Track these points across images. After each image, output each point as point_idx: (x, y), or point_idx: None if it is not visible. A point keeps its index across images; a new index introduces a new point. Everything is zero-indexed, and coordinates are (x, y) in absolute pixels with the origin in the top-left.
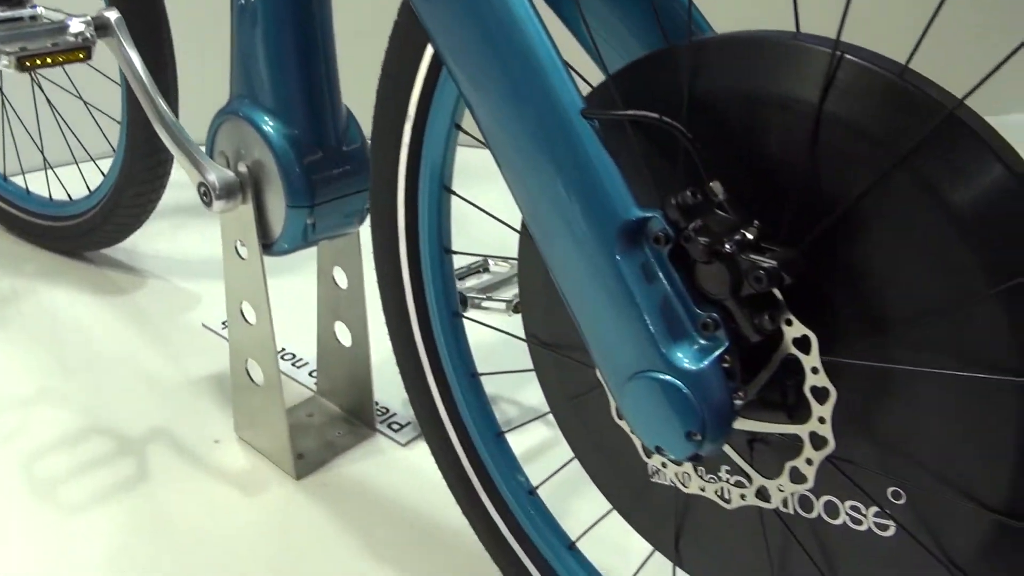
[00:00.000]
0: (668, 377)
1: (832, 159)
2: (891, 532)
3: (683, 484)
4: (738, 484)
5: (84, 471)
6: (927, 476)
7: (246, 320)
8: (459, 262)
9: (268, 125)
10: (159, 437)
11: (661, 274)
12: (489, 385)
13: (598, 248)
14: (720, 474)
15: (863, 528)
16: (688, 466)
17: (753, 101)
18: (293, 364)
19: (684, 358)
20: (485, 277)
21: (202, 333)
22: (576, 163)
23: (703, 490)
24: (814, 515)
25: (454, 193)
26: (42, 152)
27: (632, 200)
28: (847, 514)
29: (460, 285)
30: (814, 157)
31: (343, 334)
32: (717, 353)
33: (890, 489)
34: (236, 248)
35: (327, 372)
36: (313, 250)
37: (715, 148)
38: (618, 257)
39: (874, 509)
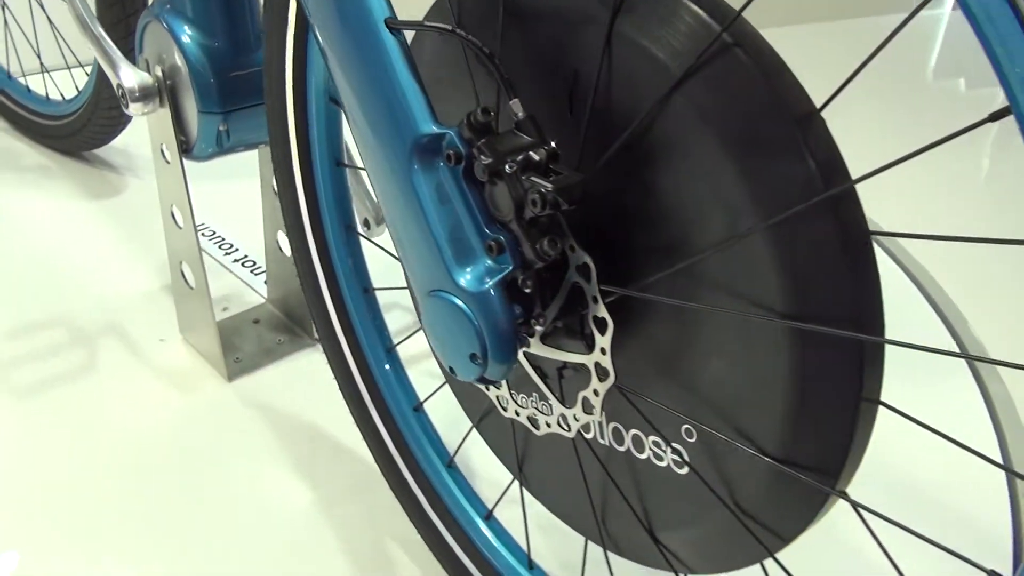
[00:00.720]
0: (452, 298)
1: (622, 83)
2: (686, 470)
3: (503, 407)
4: (544, 411)
5: (35, 358)
6: (711, 416)
7: (177, 224)
8: None
9: (183, 30)
10: (112, 332)
11: (453, 193)
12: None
13: (396, 163)
14: (532, 400)
15: (663, 464)
16: (505, 389)
17: (556, 18)
18: (252, 271)
19: (468, 279)
20: None
21: None
22: (378, 73)
23: (518, 415)
24: (624, 448)
25: (341, 107)
26: (38, 56)
27: (429, 116)
28: (650, 449)
29: None
30: (608, 80)
31: (285, 244)
32: (500, 276)
33: (684, 426)
34: (162, 151)
35: (274, 281)
36: None
37: (525, 66)
38: (413, 173)
39: (673, 445)
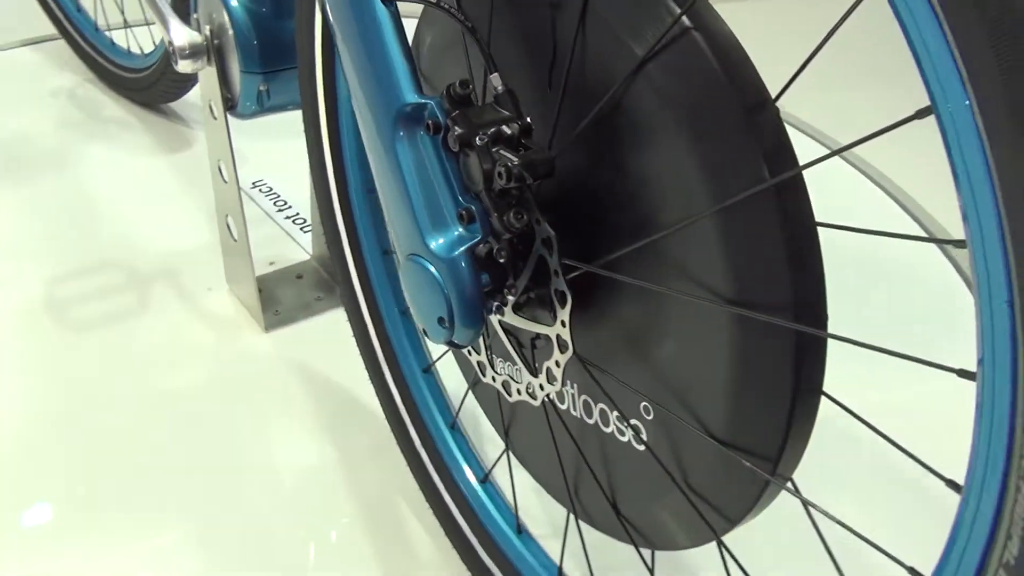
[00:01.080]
0: (425, 262)
1: (595, 63)
2: (644, 447)
3: (482, 372)
4: (516, 378)
5: (92, 298)
6: (665, 395)
7: (223, 178)
8: None
9: None
10: (166, 279)
11: (431, 161)
12: None
13: (382, 129)
14: (508, 367)
15: (625, 439)
16: (484, 355)
17: None
18: (302, 229)
19: (439, 245)
20: None
21: None
22: (369, 42)
23: (494, 380)
24: (593, 422)
25: None
26: (122, 11)
27: (413, 86)
28: (614, 424)
29: None
30: (582, 60)
31: None
32: (468, 244)
33: (642, 403)
34: (211, 107)
35: (318, 239)
36: None
37: (515, 42)
38: (397, 140)
39: (633, 421)
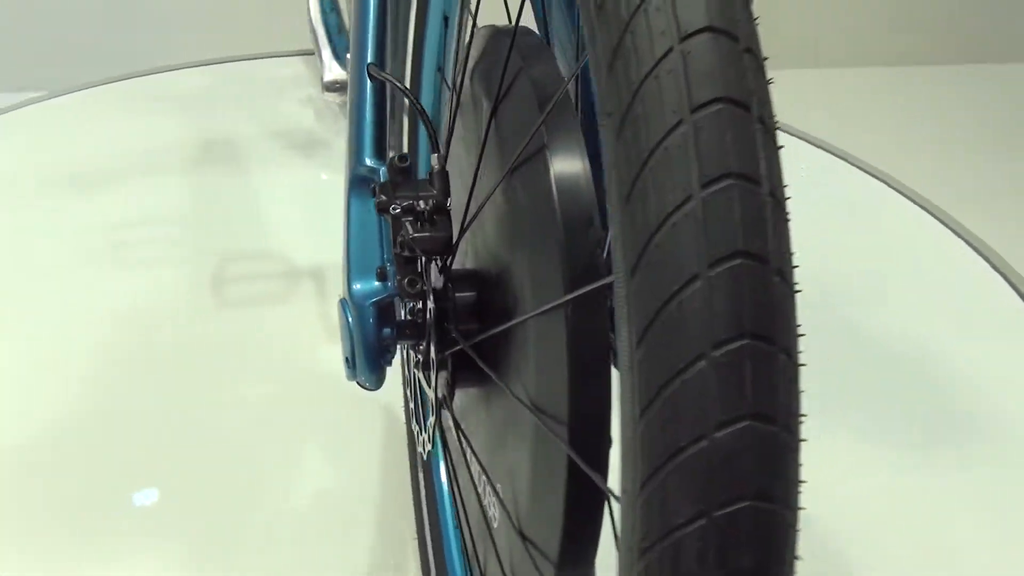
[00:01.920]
0: (347, 306)
1: (496, 160)
2: (496, 524)
3: (415, 420)
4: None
5: (236, 283)
6: (503, 476)
7: None
8: None
9: None
10: (311, 279)
11: (369, 219)
12: None
13: (347, 182)
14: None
15: (491, 513)
16: (414, 405)
17: (474, 90)
18: None
19: (357, 293)
20: None
21: None
22: (354, 105)
23: (413, 429)
24: (480, 489)
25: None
26: None
27: (373, 152)
28: (481, 490)
29: None
30: (491, 155)
31: None
32: (377, 298)
33: (499, 484)
34: None
35: None
36: None
37: (467, 128)
38: (352, 194)
39: (492, 498)
